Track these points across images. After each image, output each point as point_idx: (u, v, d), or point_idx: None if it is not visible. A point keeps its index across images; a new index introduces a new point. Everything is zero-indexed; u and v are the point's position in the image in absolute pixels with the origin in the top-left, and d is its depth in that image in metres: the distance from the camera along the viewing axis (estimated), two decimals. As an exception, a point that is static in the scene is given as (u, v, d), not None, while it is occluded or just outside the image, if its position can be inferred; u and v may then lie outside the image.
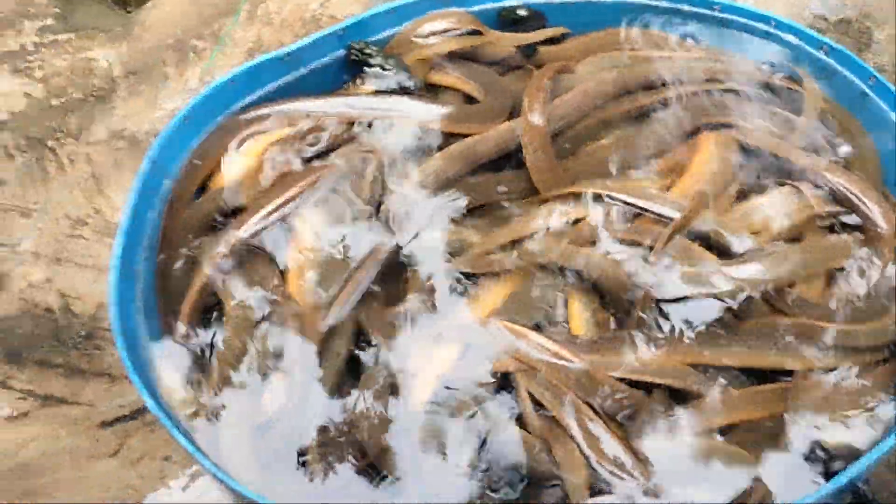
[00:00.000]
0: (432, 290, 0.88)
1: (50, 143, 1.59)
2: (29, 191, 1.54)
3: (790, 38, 1.06)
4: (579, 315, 0.86)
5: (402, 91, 1.01)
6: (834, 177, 0.95)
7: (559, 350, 0.84)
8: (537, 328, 0.86)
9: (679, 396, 0.85)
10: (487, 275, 0.88)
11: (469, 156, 0.97)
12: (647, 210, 0.92)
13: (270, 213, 0.94)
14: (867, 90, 1.00)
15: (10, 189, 1.54)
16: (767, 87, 1.04)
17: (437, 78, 1.05)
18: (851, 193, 0.94)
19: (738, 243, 0.90)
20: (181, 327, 0.91)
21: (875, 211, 0.92)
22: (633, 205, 0.92)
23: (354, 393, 0.84)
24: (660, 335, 0.86)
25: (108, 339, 1.43)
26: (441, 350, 0.85)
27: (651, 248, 0.89)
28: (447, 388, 0.84)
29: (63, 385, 1.39)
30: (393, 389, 0.84)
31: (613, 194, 0.93)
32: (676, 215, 0.91)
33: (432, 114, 1.00)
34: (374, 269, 0.90)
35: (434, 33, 1.08)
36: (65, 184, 1.55)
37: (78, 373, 1.41)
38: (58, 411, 1.37)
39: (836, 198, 0.95)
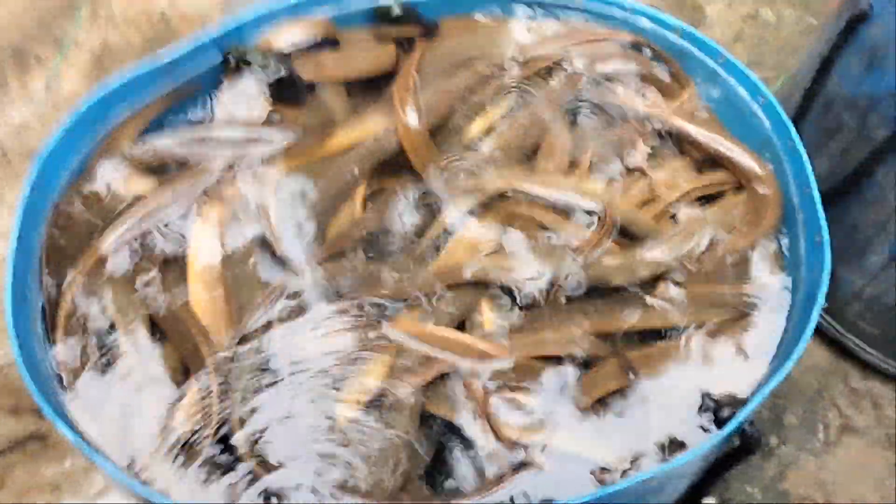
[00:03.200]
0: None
1: None
2: None
3: (644, 21, 1.12)
4: (489, 317, 0.91)
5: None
6: (706, 133, 1.04)
7: (478, 344, 0.88)
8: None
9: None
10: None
11: (332, 182, 0.98)
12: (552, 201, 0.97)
13: (135, 225, 0.93)
14: (718, 69, 1.08)
15: None
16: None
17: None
18: (727, 150, 1.02)
19: (643, 229, 0.98)
20: (58, 351, 0.87)
21: (749, 163, 1.01)
22: (541, 197, 0.97)
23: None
24: (567, 313, 0.92)
25: (-24, 368, 1.35)
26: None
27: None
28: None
29: (-68, 422, 1.31)
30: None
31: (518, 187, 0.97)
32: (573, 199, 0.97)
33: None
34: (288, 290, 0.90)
35: (290, 44, 1.08)
36: None
37: (-53, 407, 1.32)
38: (-72, 451, 1.29)
39: (712, 160, 1.04)
